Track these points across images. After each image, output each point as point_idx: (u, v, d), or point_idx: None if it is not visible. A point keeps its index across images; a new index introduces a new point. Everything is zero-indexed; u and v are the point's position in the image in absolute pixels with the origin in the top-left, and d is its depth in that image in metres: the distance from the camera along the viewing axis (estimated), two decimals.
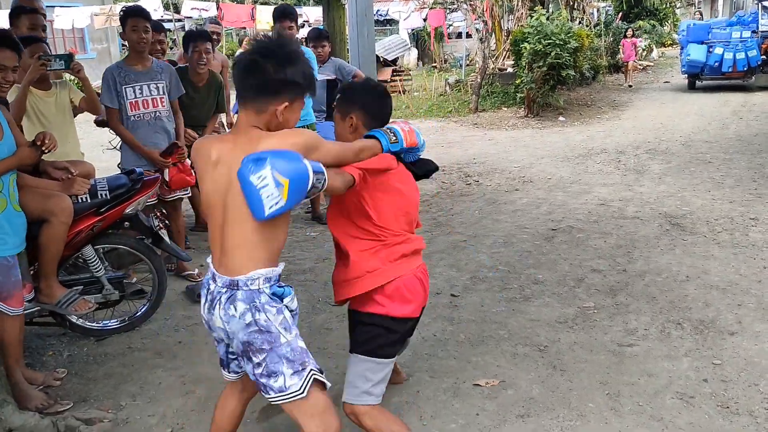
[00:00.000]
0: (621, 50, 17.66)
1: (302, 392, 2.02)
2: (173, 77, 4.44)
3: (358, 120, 2.44)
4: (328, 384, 2.12)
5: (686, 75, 15.10)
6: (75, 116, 4.27)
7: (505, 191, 6.82)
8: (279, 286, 2.06)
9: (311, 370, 2.05)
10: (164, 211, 3.78)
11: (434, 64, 22.42)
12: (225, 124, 6.62)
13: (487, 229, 5.57)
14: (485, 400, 2.98)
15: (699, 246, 4.84)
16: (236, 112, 2.82)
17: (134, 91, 4.23)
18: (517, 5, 15.51)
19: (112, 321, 3.82)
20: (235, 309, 1.99)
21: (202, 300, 2.12)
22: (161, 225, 3.71)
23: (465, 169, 7.94)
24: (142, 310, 3.87)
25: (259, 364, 2.02)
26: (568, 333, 3.60)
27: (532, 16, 13.21)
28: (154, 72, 4.33)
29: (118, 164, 4.77)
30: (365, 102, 2.47)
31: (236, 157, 1.94)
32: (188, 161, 4.37)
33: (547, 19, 11.78)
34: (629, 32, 17.54)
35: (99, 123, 4.84)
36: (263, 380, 2.04)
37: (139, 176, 3.63)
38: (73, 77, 4.09)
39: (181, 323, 3.96)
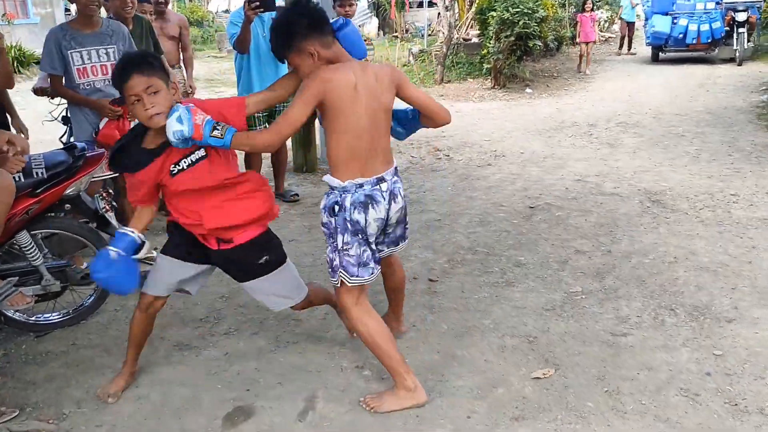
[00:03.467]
0: (578, 28, 14.22)
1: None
2: (127, 39, 4.00)
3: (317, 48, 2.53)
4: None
5: (650, 46, 15.00)
6: None
7: (477, 166, 6.54)
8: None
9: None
10: (111, 190, 3.38)
11: (396, 34, 21.90)
12: (185, 79, 6.15)
13: (461, 206, 5.28)
14: (475, 400, 2.71)
15: (683, 224, 4.65)
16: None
17: (81, 57, 3.80)
18: None
19: (53, 314, 3.42)
20: (402, 186, 2.72)
21: (380, 206, 2.58)
22: (107, 206, 3.30)
23: (434, 142, 7.62)
24: (89, 302, 3.48)
25: (407, 223, 2.87)
26: (557, 322, 3.35)
27: None
28: (104, 35, 3.88)
29: (60, 138, 4.32)
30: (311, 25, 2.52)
31: (374, 84, 2.55)
32: (132, 125, 3.95)
33: None
34: (587, 5, 14.05)
35: (37, 91, 4.36)
36: (403, 242, 2.90)
37: (81, 152, 3.21)
38: None
39: None
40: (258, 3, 4.57)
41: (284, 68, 5.13)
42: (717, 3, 14.21)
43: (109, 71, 3.86)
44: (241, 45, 4.91)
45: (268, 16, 4.93)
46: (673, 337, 3.16)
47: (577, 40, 14.15)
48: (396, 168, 2.71)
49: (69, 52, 3.77)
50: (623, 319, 3.35)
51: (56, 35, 3.79)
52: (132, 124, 3.94)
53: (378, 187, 2.58)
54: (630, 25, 16.82)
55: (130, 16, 4.37)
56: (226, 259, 2.71)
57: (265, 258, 2.71)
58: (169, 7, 6.14)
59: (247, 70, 5.11)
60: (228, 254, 2.67)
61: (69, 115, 4.04)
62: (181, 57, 6.10)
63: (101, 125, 3.84)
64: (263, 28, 5.00)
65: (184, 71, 6.19)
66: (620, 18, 17.04)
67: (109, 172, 3.84)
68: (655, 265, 3.99)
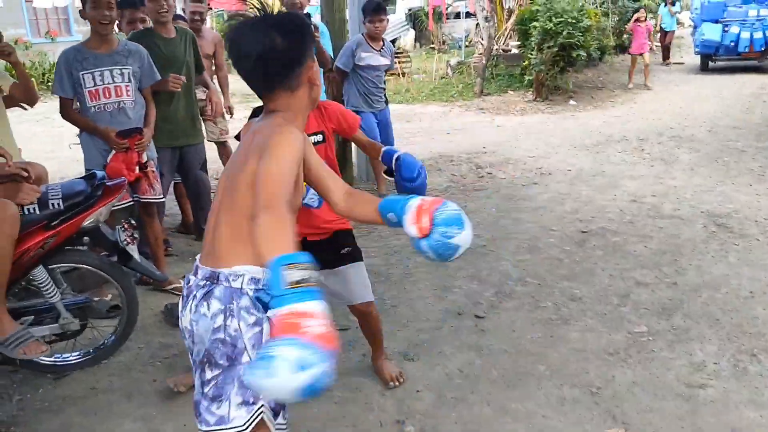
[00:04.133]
0: (631, 38, 13.06)
1: (244, 429, 1.66)
2: (145, 61, 3.73)
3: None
4: (275, 429, 1.73)
5: (699, 55, 14.42)
6: (8, 107, 3.55)
7: (522, 185, 6.18)
8: (265, 292, 1.64)
9: (263, 405, 1.68)
10: (132, 221, 3.14)
11: (432, 46, 21.62)
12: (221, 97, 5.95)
13: (507, 230, 4.94)
14: None
15: (755, 252, 4.23)
16: None
17: (93, 78, 3.53)
18: None
19: (73, 354, 3.19)
20: (208, 307, 1.65)
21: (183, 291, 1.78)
22: (129, 239, 3.06)
23: (475, 159, 7.29)
24: (111, 340, 3.24)
25: (209, 381, 1.66)
26: (622, 369, 2.99)
27: None
28: (119, 55, 3.62)
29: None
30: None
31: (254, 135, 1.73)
32: (145, 156, 3.71)
33: None
34: (641, 14, 12.85)
35: None
36: (205, 403, 1.67)
37: (101, 181, 2.98)
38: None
39: (158, 354, 3.33)
40: None
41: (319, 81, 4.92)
42: None
43: (123, 93, 3.61)
44: None
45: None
46: (760, 390, 2.77)
47: (630, 51, 13.06)
48: (214, 273, 1.70)
49: (81, 73, 3.53)
50: (699, 367, 2.97)
51: (68, 57, 3.56)
52: (145, 156, 3.72)
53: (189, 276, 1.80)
54: (669, 34, 16.03)
55: (167, 21, 4.10)
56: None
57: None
58: (206, 24, 5.95)
59: None
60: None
61: (80, 141, 3.79)
62: (216, 76, 5.89)
63: (109, 157, 3.58)
64: None
65: (218, 87, 5.99)
66: (660, 27, 16.12)
67: (127, 200, 3.63)
68: (729, 300, 3.59)
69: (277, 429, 1.74)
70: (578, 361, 3.06)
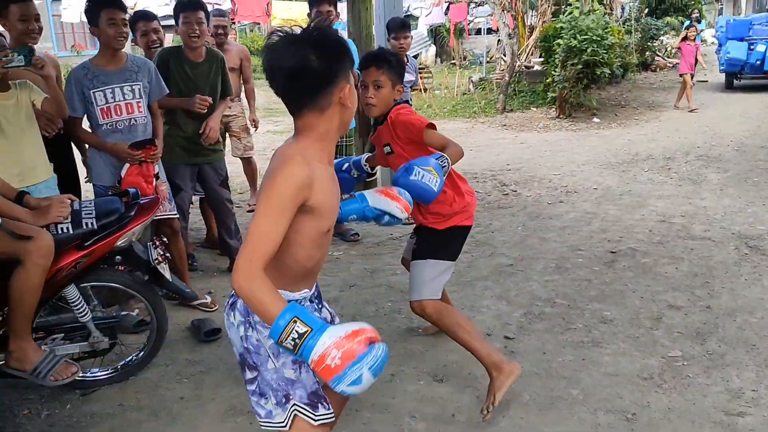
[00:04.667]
0: (678, 56, 12.51)
1: (284, 425, 1.81)
2: (153, 75, 3.72)
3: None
4: (316, 421, 1.82)
5: (725, 73, 14.28)
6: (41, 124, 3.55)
7: (548, 203, 6.13)
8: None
9: (295, 404, 1.81)
10: (164, 239, 3.14)
11: (453, 61, 21.68)
12: (248, 119, 5.98)
13: (534, 250, 4.89)
14: None
15: None
16: None
17: (105, 96, 3.52)
18: (541, 0, 14.75)
19: (101, 370, 3.19)
20: (234, 317, 1.83)
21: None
22: (161, 257, 3.06)
23: (499, 176, 7.25)
24: (138, 356, 3.23)
25: (252, 381, 1.84)
26: (657, 394, 2.92)
27: (559, 12, 12.49)
28: (129, 72, 3.60)
29: (86, 179, 4.11)
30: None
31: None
32: (156, 168, 3.69)
33: (581, 13, 11.03)
34: (691, 32, 12.11)
35: None
36: (254, 398, 1.85)
37: (135, 199, 2.98)
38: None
39: (185, 371, 3.31)
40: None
41: None
42: None
43: (135, 110, 3.60)
44: None
45: None
46: None
47: (679, 71, 12.33)
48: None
49: (92, 92, 3.51)
50: (736, 394, 2.90)
51: (77, 76, 3.53)
52: (156, 168, 3.71)
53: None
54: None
55: (197, 47, 4.06)
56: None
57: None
58: (230, 37, 5.99)
59: None
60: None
61: (89, 157, 3.78)
62: (243, 89, 5.92)
63: (123, 172, 3.56)
64: None
65: (245, 103, 6.03)
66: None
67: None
68: (766, 325, 3.51)
69: (321, 419, 1.82)
70: (611, 386, 3.00)
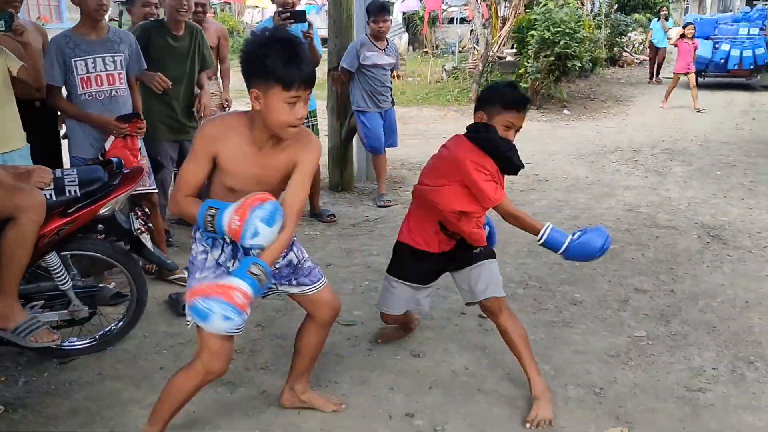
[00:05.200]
0: (678, 55, 11.81)
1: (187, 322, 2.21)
2: (134, 48, 3.70)
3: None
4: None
5: None
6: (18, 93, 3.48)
7: (520, 191, 6.25)
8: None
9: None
10: (146, 210, 3.15)
11: (425, 50, 21.72)
12: (221, 90, 5.94)
13: (508, 234, 4.96)
14: None
15: (748, 264, 4.32)
16: None
17: (86, 65, 3.47)
18: None
19: (79, 339, 3.19)
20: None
21: None
22: (143, 228, 3.07)
23: None
24: (117, 327, 3.24)
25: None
26: (624, 371, 3.05)
27: (532, 4, 12.64)
28: (111, 42, 3.56)
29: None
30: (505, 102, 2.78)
31: None
32: (139, 143, 3.68)
33: (554, 6, 11.18)
34: (689, 30, 11.50)
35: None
36: None
37: (118, 168, 2.99)
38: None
39: (164, 343, 3.34)
40: (289, 14, 4.43)
41: None
42: (761, 29, 13.86)
43: (116, 81, 3.57)
44: None
45: (296, 29, 4.76)
46: (757, 395, 2.85)
47: (674, 70, 11.90)
48: None
49: (73, 60, 3.46)
50: (698, 371, 3.04)
51: (59, 44, 3.48)
52: (140, 143, 3.71)
53: None
54: (660, 51, 15.40)
55: (184, 20, 4.08)
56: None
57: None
58: (208, 15, 5.94)
59: None
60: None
61: (67, 128, 3.73)
62: (219, 68, 5.89)
63: (107, 145, 3.53)
64: None
65: (221, 83, 5.99)
66: (650, 42, 15.55)
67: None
68: (725, 309, 3.67)
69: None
70: (581, 363, 3.12)
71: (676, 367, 3.09)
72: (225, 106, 5.99)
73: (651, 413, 2.72)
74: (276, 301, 3.82)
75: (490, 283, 2.86)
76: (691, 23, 12.03)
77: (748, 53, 13.35)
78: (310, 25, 4.82)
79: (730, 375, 3.01)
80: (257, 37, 2.09)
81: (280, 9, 4.58)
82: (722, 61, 13.54)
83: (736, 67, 13.52)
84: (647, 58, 20.76)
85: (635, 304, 3.76)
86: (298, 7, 4.81)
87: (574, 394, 2.87)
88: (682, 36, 11.58)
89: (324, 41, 5.97)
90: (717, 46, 13.64)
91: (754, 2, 19.85)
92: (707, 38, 13.93)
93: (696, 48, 11.63)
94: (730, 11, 24.66)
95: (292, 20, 4.49)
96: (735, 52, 13.39)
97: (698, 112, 10.91)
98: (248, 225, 2.00)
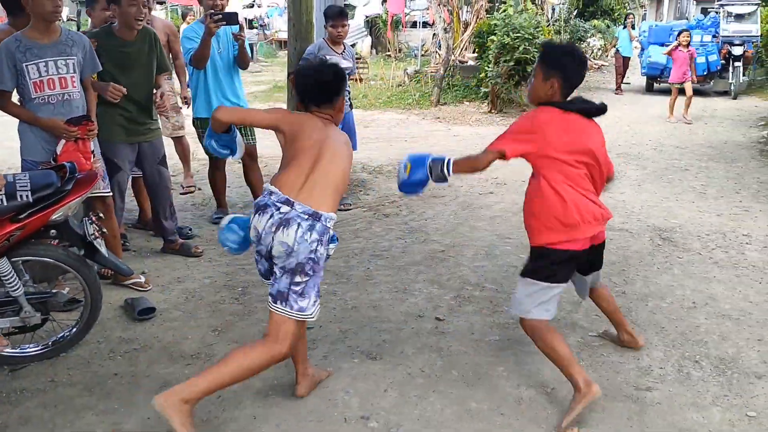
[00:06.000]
0: (673, 64, 11.10)
1: (313, 317, 2.58)
2: (88, 50, 3.66)
3: (558, 84, 2.74)
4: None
5: (645, 76, 14.97)
6: None
7: (479, 194, 6.34)
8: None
9: (317, 302, 2.61)
10: (100, 214, 3.11)
11: (388, 53, 21.82)
12: (178, 96, 5.89)
13: (465, 237, 5.07)
14: None
15: (697, 266, 4.46)
16: None
17: (38, 69, 3.42)
18: None
19: (31, 345, 3.15)
20: (310, 236, 2.45)
21: (265, 217, 2.50)
22: (97, 233, 3.04)
23: None
24: (71, 333, 3.21)
25: (299, 283, 2.50)
26: None
27: (493, 10, 12.80)
28: (63, 45, 3.51)
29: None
30: (567, 68, 2.74)
31: (331, 129, 2.70)
32: (92, 145, 3.64)
33: (514, 12, 11.36)
34: (684, 38, 10.78)
35: None
36: (294, 295, 2.50)
37: (72, 173, 2.96)
38: None
39: (118, 348, 3.31)
40: (221, 16, 4.46)
41: (240, 81, 5.02)
42: (714, 36, 14.26)
43: (69, 84, 3.52)
44: (200, 61, 4.75)
45: (223, 32, 4.78)
46: (702, 393, 2.95)
47: (669, 80, 11.30)
48: (317, 213, 2.53)
49: (24, 65, 3.40)
50: (645, 371, 3.14)
51: (9, 48, 3.40)
52: (92, 145, 3.65)
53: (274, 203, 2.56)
54: (626, 60, 14.98)
55: (137, 28, 4.06)
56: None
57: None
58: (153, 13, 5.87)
59: (204, 87, 4.95)
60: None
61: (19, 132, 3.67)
62: (172, 66, 5.82)
63: (59, 149, 3.48)
64: (218, 43, 4.84)
65: (174, 81, 5.92)
66: (616, 51, 15.01)
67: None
68: (674, 310, 3.79)
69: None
70: (534, 363, 3.19)
71: (625, 366, 3.18)
72: (185, 102, 5.95)
73: (600, 412, 2.80)
74: (234, 305, 3.83)
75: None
76: (686, 30, 11.45)
77: (701, 60, 13.69)
78: (241, 28, 4.86)
79: (677, 374, 3.11)
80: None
81: (211, 11, 4.59)
82: None
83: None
84: (605, 63, 21.24)
85: (587, 306, 3.84)
86: (228, 9, 4.83)
87: (526, 394, 2.94)
88: (678, 44, 10.99)
89: (282, 44, 5.98)
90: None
91: (708, 10, 20.41)
92: (662, 44, 14.27)
93: (693, 56, 11.04)
94: (686, 19, 25.36)
95: (224, 22, 4.52)
96: None
97: (688, 123, 10.52)
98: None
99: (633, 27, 14.78)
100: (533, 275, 2.81)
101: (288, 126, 2.65)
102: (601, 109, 2.83)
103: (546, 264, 2.78)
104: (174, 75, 5.92)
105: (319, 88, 2.67)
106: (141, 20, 3.99)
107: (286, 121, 2.68)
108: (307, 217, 2.46)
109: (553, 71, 2.73)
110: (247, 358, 2.48)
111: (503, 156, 2.80)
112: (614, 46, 16.23)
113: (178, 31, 6.12)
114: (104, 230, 3.07)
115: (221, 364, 2.48)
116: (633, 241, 4.97)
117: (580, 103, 2.80)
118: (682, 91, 10.87)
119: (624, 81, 16.50)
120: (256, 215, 2.53)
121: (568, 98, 2.81)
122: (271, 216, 2.48)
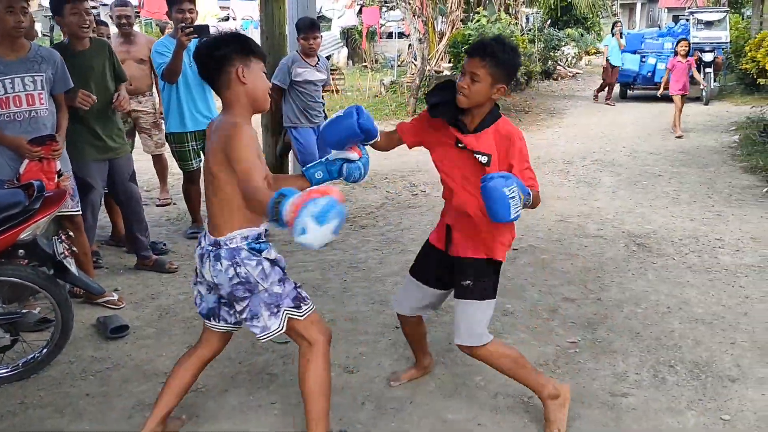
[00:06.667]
0: (668, 75, 10.54)
1: (281, 328, 2.36)
2: (59, 66, 3.61)
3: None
4: (305, 314, 2.40)
5: (619, 84, 15.16)
6: None
7: None
8: (257, 243, 2.33)
9: (285, 309, 2.36)
10: (69, 233, 3.07)
11: (365, 64, 21.88)
12: (156, 108, 5.83)
13: None
14: None
15: (671, 271, 4.51)
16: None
17: (3, 86, 3.37)
18: (451, 7, 15.16)
19: (1, 367, 3.09)
20: (221, 265, 2.29)
21: (197, 252, 2.41)
22: (67, 251, 3.00)
23: (409, 177, 7.45)
24: (41, 354, 3.15)
25: (242, 310, 2.36)
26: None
27: (468, 20, 12.91)
28: (31, 62, 3.46)
29: None
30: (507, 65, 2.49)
31: (213, 135, 2.32)
32: (58, 165, 3.56)
33: (488, 22, 11.46)
34: (682, 47, 10.31)
35: None
36: (248, 323, 2.37)
37: (40, 192, 2.91)
38: None
39: (90, 368, 3.26)
40: (192, 29, 4.45)
41: (211, 95, 5.00)
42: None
43: (36, 101, 3.47)
44: (172, 75, 4.71)
45: (194, 45, 4.76)
46: (677, 398, 2.97)
47: (668, 92, 10.48)
48: (217, 241, 2.33)
49: None
50: (621, 377, 3.16)
51: None
52: (58, 165, 3.58)
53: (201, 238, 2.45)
54: (615, 69, 13.97)
55: (86, 36, 4.02)
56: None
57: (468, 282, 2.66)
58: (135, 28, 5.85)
59: (176, 101, 4.91)
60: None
61: None
62: (154, 82, 5.78)
63: (21, 168, 3.41)
64: (189, 57, 4.81)
65: (156, 98, 5.88)
66: (606, 60, 14.07)
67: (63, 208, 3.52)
68: (648, 315, 3.82)
69: (305, 313, 2.40)
70: None
71: (600, 373, 3.19)
72: (162, 118, 5.90)
73: (577, 419, 2.80)
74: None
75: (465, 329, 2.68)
76: (684, 39, 10.96)
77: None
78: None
79: (652, 379, 3.13)
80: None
81: (182, 25, 4.57)
82: (649, 74, 14.07)
83: (662, 80, 14.05)
84: (579, 71, 21.48)
85: (564, 313, 3.87)
86: (199, 22, 4.81)
87: (503, 403, 2.94)
88: (676, 54, 10.45)
89: None
90: (644, 59, 14.19)
91: (679, 18, 20.76)
92: (635, 52, 14.49)
93: (691, 66, 10.37)
94: (658, 26, 25.79)
95: (196, 35, 4.51)
96: (661, 66, 13.88)
97: (678, 138, 9.85)
98: (298, 222, 1.84)
99: (621, 35, 14.55)
100: (493, 294, 2.72)
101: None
102: None
103: (497, 278, 2.74)
104: (155, 91, 5.88)
105: (200, 68, 2.34)
106: (86, 28, 3.95)
107: None
108: (211, 248, 2.32)
109: (505, 75, 2.50)
110: (309, 380, 2.44)
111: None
112: (591, 54, 16.34)
113: None
114: (74, 249, 3.03)
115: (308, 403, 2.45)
116: (608, 247, 5.01)
117: None
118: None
119: (600, 89, 16.70)
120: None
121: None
122: (196, 253, 2.42)
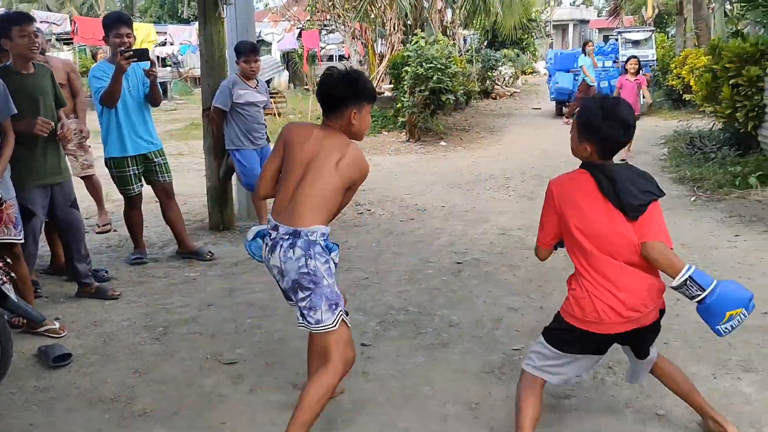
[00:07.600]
0: (618, 94, 9.71)
1: (334, 325, 2.57)
2: (1, 93, 3.57)
3: (593, 151, 2.55)
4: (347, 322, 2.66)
5: (554, 101, 15.68)
6: None
7: (400, 221, 6.46)
8: (330, 242, 2.62)
9: (341, 310, 2.61)
10: (7, 260, 3.00)
11: (306, 87, 21.98)
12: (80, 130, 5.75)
13: (389, 263, 5.15)
14: None
15: None
16: None
17: None
18: (390, 29, 15.44)
19: None
20: (294, 253, 2.53)
21: (264, 245, 2.67)
22: (5, 278, 2.93)
23: (354, 197, 7.51)
24: None
25: (303, 299, 2.57)
26: (498, 385, 3.23)
27: (407, 42, 13.15)
28: None
29: None
30: (606, 134, 2.46)
31: (327, 143, 2.64)
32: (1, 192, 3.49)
33: (426, 43, 11.70)
34: (632, 65, 9.95)
35: None
36: (305, 312, 2.57)
37: None
38: None
39: (33, 398, 3.18)
40: (132, 53, 4.46)
41: (151, 118, 4.99)
42: (614, 61, 15.11)
43: None
44: (111, 99, 4.69)
45: (132, 70, 4.75)
46: (615, 397, 3.10)
47: None
48: (297, 231, 2.55)
49: None
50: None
51: None
52: (13, 213, 3.52)
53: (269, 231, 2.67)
54: (591, 89, 13.36)
55: (35, 58, 3.99)
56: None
57: None
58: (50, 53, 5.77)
59: (116, 126, 4.87)
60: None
61: None
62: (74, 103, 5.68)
63: None
64: (128, 82, 4.79)
65: (78, 120, 5.78)
66: (582, 80, 13.75)
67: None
68: None
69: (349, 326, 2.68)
70: (459, 381, 3.27)
71: None
72: (84, 137, 5.82)
73: None
74: (155, 345, 3.75)
75: None
76: (634, 57, 10.51)
77: (604, 84, 14.49)
78: (153, 64, 4.86)
79: (592, 381, 3.26)
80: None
81: (121, 49, 4.55)
82: None
83: None
84: (517, 90, 22.09)
85: (508, 322, 3.98)
86: (136, 47, 4.81)
87: (452, 411, 3.01)
88: (625, 71, 10.26)
89: (197, 81, 5.97)
90: (577, 78, 14.72)
91: (608, 37, 21.65)
92: (568, 71, 15.04)
93: (640, 85, 10.05)
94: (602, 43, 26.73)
95: (135, 59, 4.52)
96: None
97: (623, 160, 9.13)
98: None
99: (597, 51, 13.84)
100: (546, 337, 2.74)
101: (286, 137, 2.72)
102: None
103: (561, 330, 2.70)
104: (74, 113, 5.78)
105: (324, 96, 2.69)
106: (35, 49, 3.92)
107: (283, 134, 2.74)
108: (288, 236, 2.54)
109: (589, 137, 2.53)
110: (313, 389, 2.55)
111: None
112: (527, 74, 16.81)
113: None
114: (12, 275, 2.96)
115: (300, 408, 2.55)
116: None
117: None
118: None
119: (535, 107, 17.25)
120: (263, 245, 2.69)
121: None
122: (266, 244, 2.65)
